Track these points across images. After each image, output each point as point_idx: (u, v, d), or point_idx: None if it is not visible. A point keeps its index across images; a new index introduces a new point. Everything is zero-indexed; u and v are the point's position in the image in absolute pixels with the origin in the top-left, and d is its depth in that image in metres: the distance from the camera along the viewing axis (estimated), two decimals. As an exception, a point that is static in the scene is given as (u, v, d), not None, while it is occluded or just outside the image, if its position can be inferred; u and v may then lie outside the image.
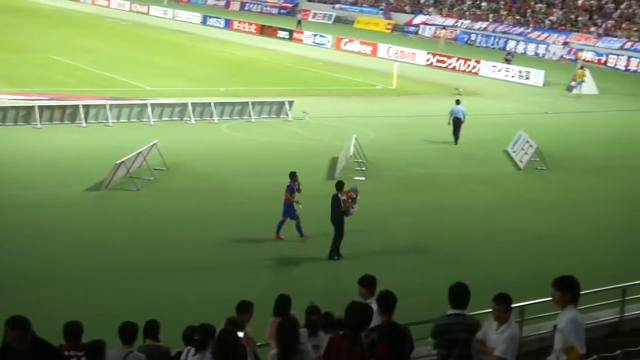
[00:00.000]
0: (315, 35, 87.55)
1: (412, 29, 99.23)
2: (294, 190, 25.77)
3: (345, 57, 76.51)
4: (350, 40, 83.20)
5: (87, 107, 41.21)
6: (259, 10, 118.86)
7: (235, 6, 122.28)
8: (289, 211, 25.82)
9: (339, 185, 24.75)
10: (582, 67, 64.91)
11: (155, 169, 32.35)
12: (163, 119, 42.66)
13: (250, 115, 44.30)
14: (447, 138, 41.54)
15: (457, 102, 42.38)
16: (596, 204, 32.17)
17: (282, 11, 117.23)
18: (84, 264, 23.01)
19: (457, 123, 41.20)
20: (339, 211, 24.26)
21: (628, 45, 79.38)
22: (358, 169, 34.07)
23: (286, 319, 11.34)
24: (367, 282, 12.78)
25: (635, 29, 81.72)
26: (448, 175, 35.68)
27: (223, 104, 44.66)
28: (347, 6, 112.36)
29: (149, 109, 42.23)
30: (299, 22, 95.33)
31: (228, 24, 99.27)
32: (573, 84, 61.56)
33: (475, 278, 22.21)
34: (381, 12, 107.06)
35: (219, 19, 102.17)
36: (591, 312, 18.83)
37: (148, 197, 29.73)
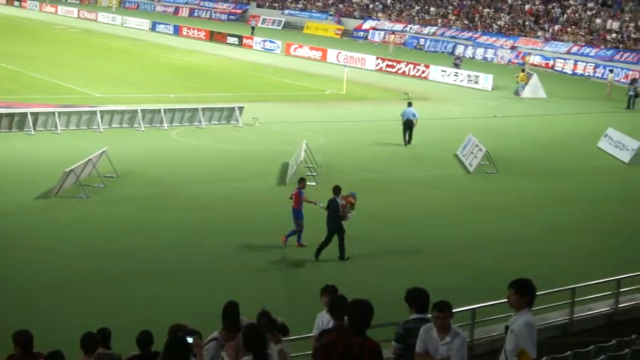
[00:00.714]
0: (264, 41, 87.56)
1: (361, 34, 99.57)
2: (303, 195, 25.76)
3: (295, 62, 76.59)
4: (300, 46, 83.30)
5: (35, 115, 40.87)
6: (208, 17, 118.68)
7: (185, 12, 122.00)
8: (296, 216, 25.77)
9: (336, 190, 24.89)
10: (523, 70, 66.07)
11: (105, 176, 32.14)
12: (112, 126, 42.42)
13: (200, 122, 44.19)
14: (397, 142, 41.76)
15: (409, 104, 43.03)
16: (545, 207, 32.43)
17: (232, 17, 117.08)
18: (35, 272, 22.79)
19: (408, 125, 41.78)
20: (336, 216, 24.41)
21: (575, 49, 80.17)
22: (309, 174, 34.08)
23: (252, 327, 11.36)
24: (329, 292, 12.84)
25: (581, 33, 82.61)
26: (398, 179, 35.80)
27: (173, 111, 44.51)
28: (297, 12, 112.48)
29: (98, 116, 41.95)
30: (253, 28, 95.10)
31: (177, 31, 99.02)
32: (520, 87, 62.10)
33: (423, 282, 22.41)
34: (330, 17, 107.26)
35: (168, 26, 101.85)
36: (542, 314, 19.01)
37: (98, 205, 29.51)
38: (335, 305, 11.52)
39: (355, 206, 24.67)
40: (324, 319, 12.95)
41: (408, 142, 41.98)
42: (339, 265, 24.34)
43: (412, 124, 41.75)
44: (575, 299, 19.74)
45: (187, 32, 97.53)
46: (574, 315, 19.86)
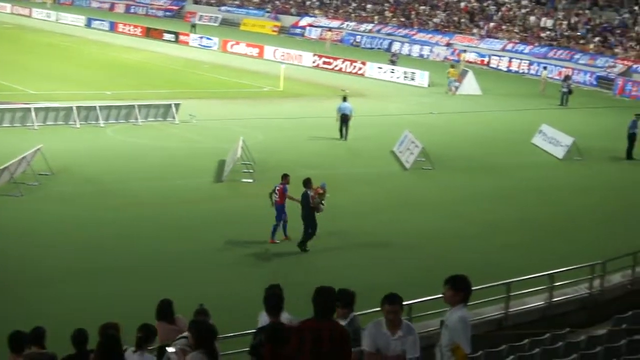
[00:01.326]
0: (201, 37, 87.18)
1: (298, 31, 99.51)
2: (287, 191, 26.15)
3: (231, 59, 76.35)
4: (237, 43, 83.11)
5: (-32, 112, 40.42)
6: (144, 13, 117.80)
7: (120, 9, 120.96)
8: (282, 212, 26.19)
9: (307, 182, 25.43)
10: (452, 66, 67.02)
11: (40, 174, 31.85)
12: (47, 123, 41.99)
13: (136, 119, 43.90)
14: (335, 140, 41.93)
15: (344, 99, 43.98)
16: (480, 203, 32.76)
17: (168, 14, 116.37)
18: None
19: (344, 119, 42.62)
20: (309, 208, 25.01)
21: (509, 46, 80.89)
22: (246, 171, 34.07)
23: (201, 323, 11.35)
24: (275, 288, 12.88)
25: (515, 30, 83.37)
26: (335, 176, 35.81)
27: (109, 108, 44.18)
28: (234, 8, 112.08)
29: (33, 113, 41.51)
30: (194, 26, 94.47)
31: (113, 27, 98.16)
32: (457, 84, 62.55)
33: (359, 279, 22.55)
34: (267, 14, 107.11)
35: (103, 22, 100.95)
36: (477, 309, 19.20)
37: (32, 203, 29.26)
38: (270, 303, 11.62)
39: (325, 197, 25.27)
40: (266, 319, 12.96)
41: (345, 137, 42.70)
42: (275, 261, 24.40)
43: (348, 118, 42.63)
44: (510, 294, 19.99)
45: (123, 29, 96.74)
46: (509, 310, 20.11)
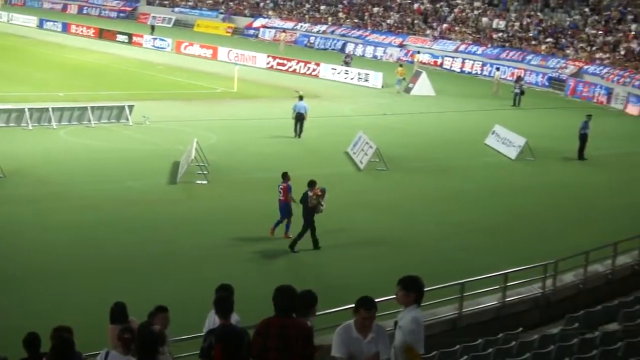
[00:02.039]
0: (155, 39, 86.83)
1: (252, 32, 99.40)
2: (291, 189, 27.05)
3: (185, 60, 76.10)
4: (191, 44, 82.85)
5: None
6: (97, 14, 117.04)
7: (73, 10, 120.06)
8: (287, 210, 27.01)
9: (311, 183, 26.23)
10: (401, 65, 67.73)
11: (-8, 177, 31.62)
12: (-1, 125, 41.69)
13: (89, 121, 43.60)
14: (289, 140, 41.98)
15: (300, 97, 44.89)
16: (434, 203, 32.92)
17: (121, 15, 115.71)
18: None
19: (299, 118, 43.50)
20: (307, 207, 25.84)
21: (462, 47, 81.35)
22: (200, 172, 33.98)
23: (146, 328, 11.30)
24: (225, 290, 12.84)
25: (468, 31, 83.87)
26: (290, 177, 35.85)
27: (61, 109, 43.84)
28: (187, 10, 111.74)
29: (-16, 115, 41.18)
30: (153, 27, 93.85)
31: (66, 28, 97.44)
32: (405, 82, 62.84)
33: (313, 280, 22.61)
34: (221, 15, 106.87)
35: (56, 23, 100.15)
36: (432, 309, 19.30)
37: (-16, 205, 29.03)
38: (220, 305, 11.62)
39: (324, 198, 25.96)
40: (215, 320, 12.94)
41: (299, 134, 43.62)
42: (239, 263, 24.38)
43: (303, 117, 43.54)
44: (464, 294, 20.11)
45: (76, 30, 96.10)
46: (463, 310, 20.23)
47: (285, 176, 27.43)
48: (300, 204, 26.21)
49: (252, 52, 77.38)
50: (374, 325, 10.75)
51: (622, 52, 68.92)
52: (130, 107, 45.11)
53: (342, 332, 10.62)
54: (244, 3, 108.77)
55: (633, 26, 72.07)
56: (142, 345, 10.84)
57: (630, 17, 73.81)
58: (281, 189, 27.14)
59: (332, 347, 10.65)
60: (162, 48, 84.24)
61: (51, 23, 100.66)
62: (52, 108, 43.24)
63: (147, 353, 10.69)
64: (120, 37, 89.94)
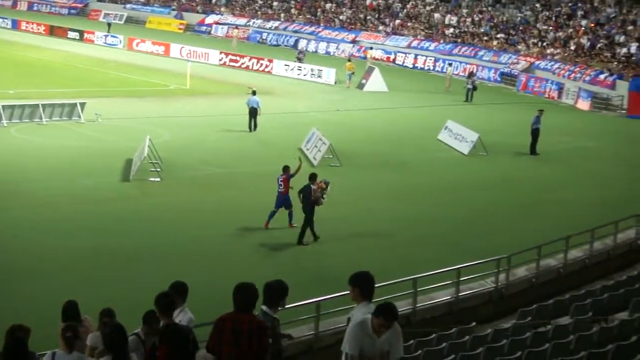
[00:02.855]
0: (106, 35, 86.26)
1: (204, 28, 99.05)
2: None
3: (137, 57, 75.68)
4: (143, 41, 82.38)
5: None
6: (48, 11, 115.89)
7: (23, 6, 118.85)
8: (286, 201, 27.80)
9: (312, 177, 26.97)
10: (349, 60, 68.42)
11: (-58, 175, 31.29)
12: (-51, 123, 41.22)
13: (41, 118, 43.21)
14: (243, 137, 41.94)
15: (253, 92, 45.59)
16: (388, 199, 33.00)
17: (72, 11, 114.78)
18: None
19: (253, 112, 44.22)
20: (310, 200, 26.36)
21: (415, 43, 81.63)
22: (153, 169, 33.84)
23: (114, 327, 11.20)
24: (177, 289, 12.76)
25: (420, 27, 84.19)
26: (243, 173, 35.87)
27: (12, 107, 43.37)
28: (139, 6, 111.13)
29: None
30: (110, 25, 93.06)
31: (16, 25, 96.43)
32: (364, 81, 63.00)
33: (263, 277, 22.58)
34: (173, 12, 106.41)
35: (5, 20, 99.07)
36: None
37: None
38: (159, 302, 11.53)
39: (326, 191, 26.67)
40: (184, 319, 12.89)
41: (253, 128, 44.28)
42: (186, 260, 24.33)
43: (257, 111, 44.44)
44: (418, 289, 20.20)
45: (27, 27, 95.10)
46: (417, 305, 20.32)
47: (285, 169, 28.17)
48: (299, 195, 26.79)
49: (205, 48, 77.14)
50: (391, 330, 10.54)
51: (573, 48, 69.53)
52: (82, 105, 44.77)
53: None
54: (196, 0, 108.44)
55: (583, 22, 72.74)
56: (111, 342, 10.78)
57: (580, 13, 74.47)
58: (281, 181, 27.88)
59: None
60: (114, 45, 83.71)
61: (0, 20, 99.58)
62: (3, 106, 42.75)
63: (117, 350, 10.65)
64: (71, 34, 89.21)
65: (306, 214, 26.63)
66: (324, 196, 26.62)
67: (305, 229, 26.58)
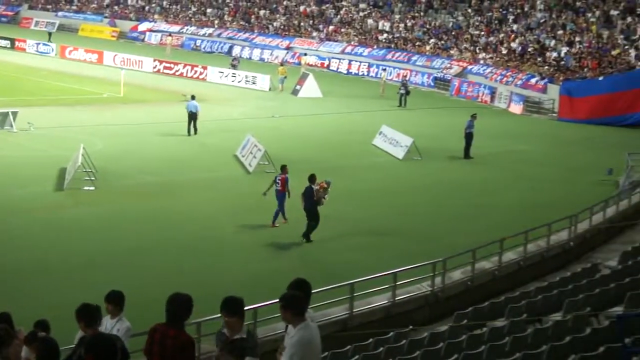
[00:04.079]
0: (38, 43, 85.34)
1: (138, 36, 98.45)
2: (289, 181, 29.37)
3: (70, 65, 74.96)
4: (75, 49, 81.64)
5: None
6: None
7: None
8: (281, 200, 29.33)
9: (311, 178, 28.18)
10: (282, 64, 69.50)
11: None
12: None
13: (-29, 128, 42.75)
14: (177, 146, 41.83)
15: (192, 97, 46.61)
16: (326, 204, 32.99)
17: (3, 19, 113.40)
18: None
19: (192, 117, 45.18)
20: (313, 201, 27.58)
21: (348, 49, 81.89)
22: (87, 178, 33.58)
23: (47, 342, 11.06)
24: (114, 299, 12.64)
25: (354, 33, 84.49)
26: (177, 181, 35.73)
27: (-60, 116, 42.88)
28: (71, 14, 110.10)
29: None
30: (50, 34, 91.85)
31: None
32: (298, 87, 63.09)
33: (204, 283, 22.55)
34: (106, 19, 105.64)
35: None
36: (323, 310, 19.42)
37: None
38: (82, 312, 11.45)
39: (328, 191, 28.05)
40: (107, 324, 12.83)
41: (194, 132, 45.34)
42: (117, 267, 24.18)
43: (196, 115, 45.52)
44: (355, 294, 20.27)
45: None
46: (354, 310, 20.39)
47: (283, 168, 29.73)
48: (303, 196, 27.84)
49: (139, 56, 76.68)
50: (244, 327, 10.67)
51: (504, 52, 70.25)
52: (14, 114, 44.26)
53: (219, 333, 10.74)
54: (129, 7, 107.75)
55: (514, 26, 73.52)
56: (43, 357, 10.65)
57: (511, 17, 75.26)
58: (279, 180, 29.34)
59: None
60: (46, 53, 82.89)
61: None
62: None
63: None
64: (2, 42, 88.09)
65: (310, 214, 27.72)
66: (326, 196, 27.91)
67: (312, 228, 27.75)
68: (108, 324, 12.88)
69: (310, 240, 27.74)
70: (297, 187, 28.84)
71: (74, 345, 11.70)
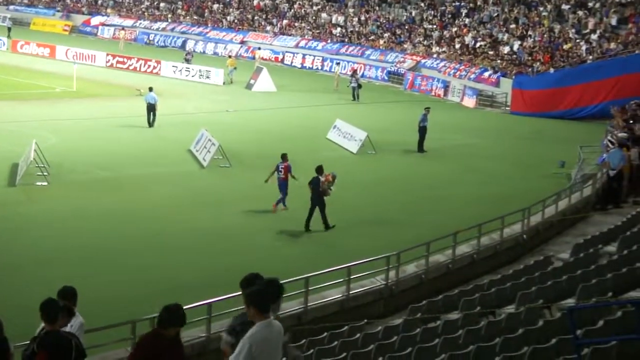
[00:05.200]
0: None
1: (90, 30, 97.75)
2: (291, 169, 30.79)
3: (22, 60, 74.20)
4: (27, 43, 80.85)
5: None
6: None
7: None
8: (283, 187, 30.64)
9: (319, 169, 29.22)
10: (230, 57, 70.96)
11: None
12: None
13: None
14: (131, 140, 41.65)
15: (150, 89, 47.29)
16: (273, 199, 32.86)
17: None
18: None
19: (150, 108, 45.92)
20: (318, 191, 28.66)
21: (302, 43, 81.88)
22: (40, 174, 33.36)
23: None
24: (66, 294, 12.53)
25: (308, 27, 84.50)
26: (132, 176, 35.59)
27: None
28: (22, 7, 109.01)
29: None
30: (9, 29, 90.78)
31: None
32: (252, 81, 62.99)
33: (156, 280, 22.51)
34: (58, 13, 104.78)
35: None
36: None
37: None
38: (44, 308, 11.37)
39: (333, 184, 29.13)
40: (74, 323, 12.70)
41: (152, 123, 45.98)
42: (65, 266, 24.07)
43: (154, 107, 46.29)
44: (309, 288, 20.32)
45: None
46: (308, 304, 20.44)
47: (284, 157, 30.88)
48: (310, 186, 28.90)
49: (91, 50, 76.11)
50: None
51: (458, 46, 70.59)
52: (-35, 109, 43.92)
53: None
54: (82, 1, 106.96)
55: (467, 20, 73.91)
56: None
57: (464, 11, 75.63)
58: (282, 168, 30.62)
59: None
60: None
61: None
62: None
63: None
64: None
65: (317, 204, 28.73)
66: (331, 187, 28.96)
67: (324, 215, 28.71)
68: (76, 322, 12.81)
69: (332, 226, 28.82)
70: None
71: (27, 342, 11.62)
